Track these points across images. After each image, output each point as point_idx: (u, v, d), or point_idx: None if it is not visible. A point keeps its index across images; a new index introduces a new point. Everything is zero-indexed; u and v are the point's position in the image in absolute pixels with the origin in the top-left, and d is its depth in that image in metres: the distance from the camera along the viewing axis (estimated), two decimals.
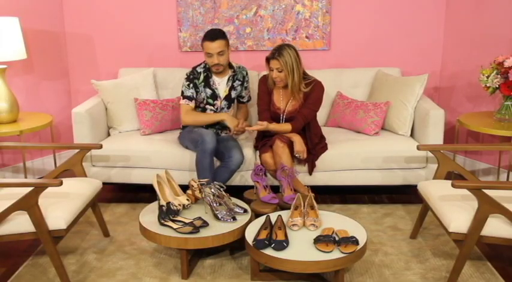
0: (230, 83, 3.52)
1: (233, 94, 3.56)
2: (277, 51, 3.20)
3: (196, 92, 3.47)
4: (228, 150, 3.34)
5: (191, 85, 3.45)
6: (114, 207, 3.57)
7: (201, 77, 3.46)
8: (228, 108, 3.57)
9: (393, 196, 3.73)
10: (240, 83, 3.57)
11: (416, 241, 3.06)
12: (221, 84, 3.51)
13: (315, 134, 3.43)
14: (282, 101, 3.40)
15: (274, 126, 3.32)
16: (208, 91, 3.48)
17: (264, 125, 3.25)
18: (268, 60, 3.27)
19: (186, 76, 3.48)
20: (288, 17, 4.18)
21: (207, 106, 3.52)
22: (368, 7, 4.19)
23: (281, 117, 3.40)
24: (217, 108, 3.52)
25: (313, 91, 3.33)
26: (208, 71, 3.48)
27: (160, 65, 4.22)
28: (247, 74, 3.62)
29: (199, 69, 3.48)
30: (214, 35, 3.33)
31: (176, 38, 4.27)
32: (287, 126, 3.31)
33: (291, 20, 4.18)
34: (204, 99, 3.50)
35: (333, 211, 3.10)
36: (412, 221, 3.25)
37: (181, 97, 3.47)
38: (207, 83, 3.47)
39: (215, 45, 3.30)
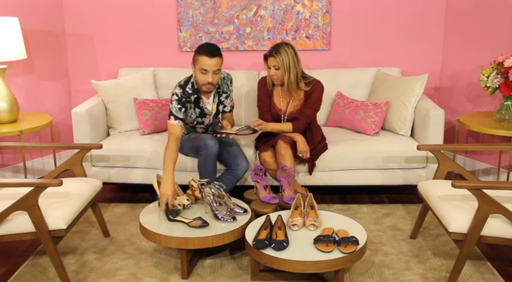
0: (216, 99, 3.32)
1: (221, 108, 3.38)
2: (275, 49, 3.21)
3: (186, 114, 3.23)
4: (234, 158, 3.28)
5: (183, 109, 3.17)
6: (114, 207, 3.56)
7: (192, 99, 3.22)
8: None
9: (393, 196, 3.73)
10: (226, 95, 3.36)
11: (416, 241, 3.05)
12: (209, 103, 3.30)
13: (316, 134, 3.43)
14: (282, 102, 3.40)
15: (275, 126, 3.32)
16: (198, 110, 3.27)
17: (263, 124, 3.22)
18: (266, 58, 3.27)
19: (177, 98, 3.16)
20: (288, 17, 4.18)
21: (197, 125, 3.37)
22: (368, 7, 4.19)
23: (282, 119, 3.40)
24: (206, 125, 3.36)
25: (314, 90, 3.33)
26: (197, 92, 3.22)
27: (160, 65, 4.22)
28: (231, 82, 3.37)
29: (189, 90, 3.20)
30: (214, 51, 3.05)
31: (176, 38, 4.27)
32: (288, 126, 3.31)
33: (291, 20, 4.18)
34: (194, 119, 3.31)
35: (333, 211, 3.10)
36: (412, 221, 3.25)
37: (172, 117, 3.14)
38: (197, 104, 3.26)
39: (214, 63, 3.04)
